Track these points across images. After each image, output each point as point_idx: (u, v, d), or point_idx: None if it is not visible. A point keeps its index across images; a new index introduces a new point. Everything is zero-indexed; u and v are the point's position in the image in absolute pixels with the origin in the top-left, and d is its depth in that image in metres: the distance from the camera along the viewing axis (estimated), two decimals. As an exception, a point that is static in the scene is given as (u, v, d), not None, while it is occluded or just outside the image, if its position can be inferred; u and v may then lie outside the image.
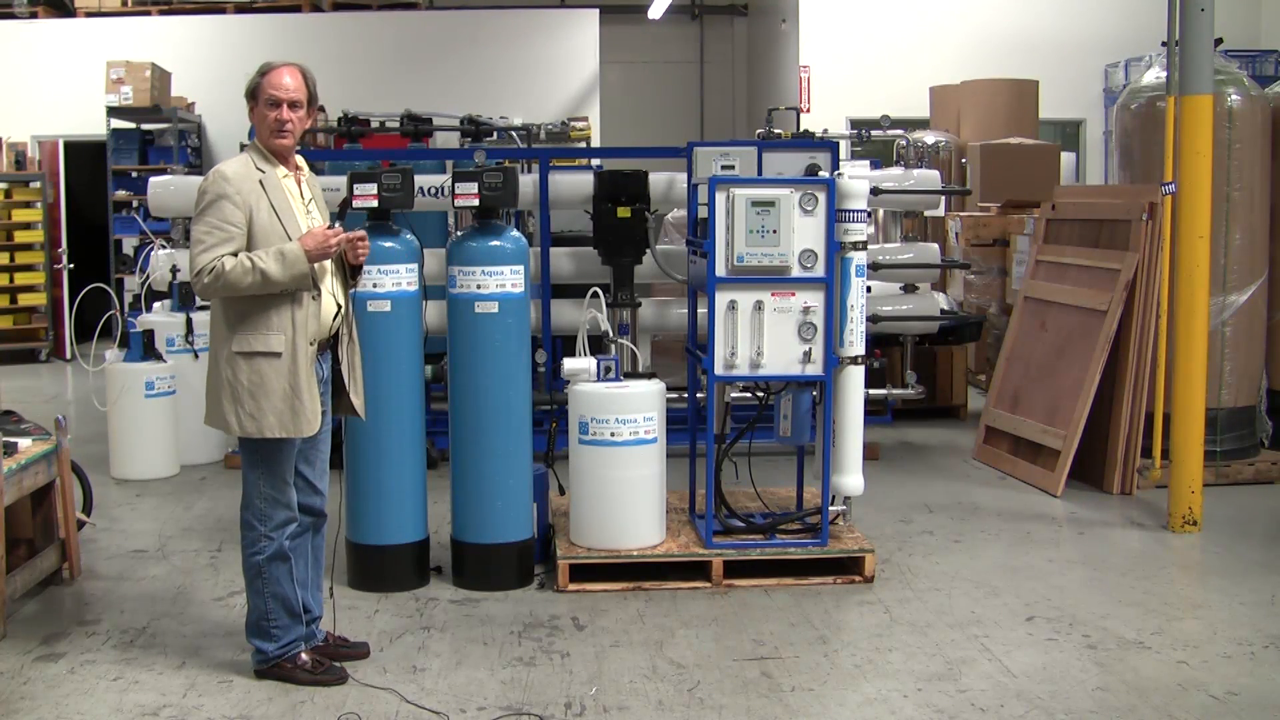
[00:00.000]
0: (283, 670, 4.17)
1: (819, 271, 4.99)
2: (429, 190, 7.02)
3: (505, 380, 5.02)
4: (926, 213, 8.67)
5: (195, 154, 13.37)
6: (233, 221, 3.93)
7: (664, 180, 6.97)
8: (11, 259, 12.23)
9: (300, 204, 4.12)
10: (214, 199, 3.94)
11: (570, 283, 7.06)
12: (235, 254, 3.90)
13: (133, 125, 13.16)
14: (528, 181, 7.00)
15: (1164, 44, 6.21)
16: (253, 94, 4.07)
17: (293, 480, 4.15)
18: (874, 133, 8.02)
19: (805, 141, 6.98)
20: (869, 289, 5.74)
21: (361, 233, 4.20)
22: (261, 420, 3.97)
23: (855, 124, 11.79)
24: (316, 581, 4.39)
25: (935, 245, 8.14)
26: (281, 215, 4.01)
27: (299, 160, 4.22)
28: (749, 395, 5.79)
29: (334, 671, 4.19)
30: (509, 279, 4.97)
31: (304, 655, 4.20)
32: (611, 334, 5.60)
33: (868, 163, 8.72)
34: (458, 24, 14.12)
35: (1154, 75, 7.24)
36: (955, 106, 12.65)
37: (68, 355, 11.73)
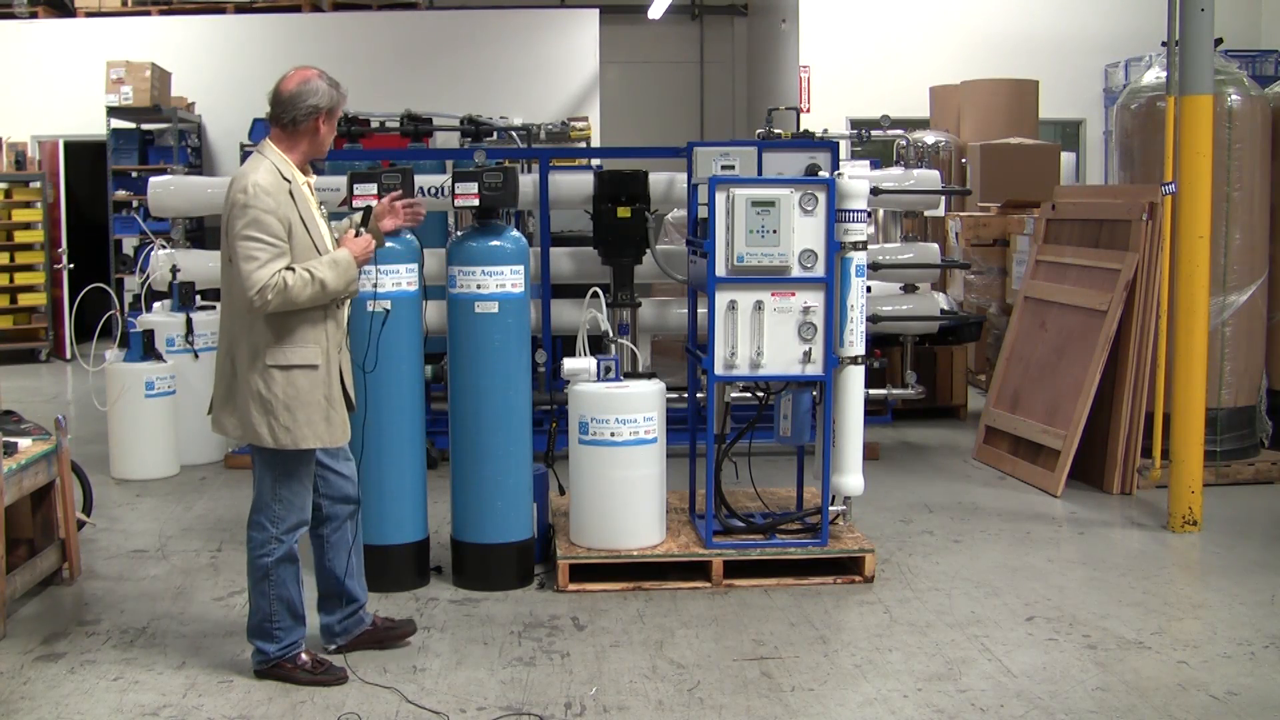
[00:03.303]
0: (283, 670, 4.17)
1: (819, 271, 4.99)
2: (429, 190, 7.02)
3: (505, 380, 5.02)
4: (926, 213, 8.67)
5: (195, 154, 13.35)
6: (279, 235, 3.90)
7: (664, 180, 6.97)
8: (11, 259, 12.22)
9: (317, 210, 4.14)
10: (259, 213, 3.88)
11: (570, 283, 7.06)
12: (290, 268, 3.89)
13: (133, 125, 13.15)
14: (528, 181, 7.00)
15: (1164, 44, 6.20)
16: (331, 111, 4.09)
17: (310, 483, 4.16)
18: (874, 133, 8.02)
19: (805, 141, 6.97)
20: (869, 289, 5.74)
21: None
22: (297, 432, 3.97)
23: (855, 124, 11.79)
24: (360, 568, 4.41)
25: (935, 245, 8.14)
26: (309, 226, 4.02)
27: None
28: (749, 395, 5.79)
29: (334, 672, 4.19)
30: (509, 279, 4.97)
31: (304, 655, 4.20)
32: (611, 334, 5.60)
33: (868, 163, 8.72)
34: (458, 24, 14.12)
35: (1154, 75, 7.24)
36: (955, 106, 12.65)
37: (68, 355, 11.72)
